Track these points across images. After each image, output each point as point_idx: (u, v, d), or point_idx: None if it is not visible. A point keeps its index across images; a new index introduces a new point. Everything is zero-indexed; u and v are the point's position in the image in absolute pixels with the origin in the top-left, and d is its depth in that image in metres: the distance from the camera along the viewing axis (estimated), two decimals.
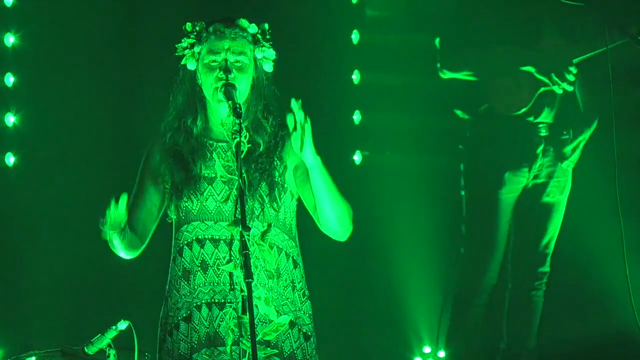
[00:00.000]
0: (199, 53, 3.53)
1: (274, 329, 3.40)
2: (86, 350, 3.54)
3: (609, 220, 5.51)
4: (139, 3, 5.75)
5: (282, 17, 5.25)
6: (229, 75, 3.44)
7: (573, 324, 5.88)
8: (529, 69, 5.57)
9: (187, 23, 3.55)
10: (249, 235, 3.19)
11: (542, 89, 5.58)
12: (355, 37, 6.01)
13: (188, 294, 3.50)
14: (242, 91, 3.49)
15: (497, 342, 5.80)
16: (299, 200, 3.60)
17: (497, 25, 5.60)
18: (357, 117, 6.03)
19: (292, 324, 3.51)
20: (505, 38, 5.59)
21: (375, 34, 6.02)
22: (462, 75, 5.68)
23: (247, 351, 3.18)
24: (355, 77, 6.00)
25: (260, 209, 3.47)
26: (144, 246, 3.58)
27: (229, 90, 3.41)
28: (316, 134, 3.62)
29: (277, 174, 3.51)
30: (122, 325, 3.46)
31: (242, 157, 3.29)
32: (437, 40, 5.78)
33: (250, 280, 3.09)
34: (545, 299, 5.78)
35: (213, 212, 3.48)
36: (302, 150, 3.32)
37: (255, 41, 3.52)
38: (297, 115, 3.26)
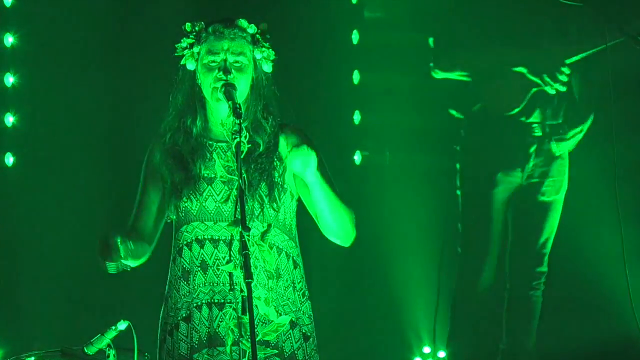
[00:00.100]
0: (198, 53, 3.53)
1: (274, 329, 3.40)
2: (86, 351, 3.54)
3: (609, 223, 5.52)
4: (138, 3, 5.75)
5: (282, 18, 5.26)
6: (228, 76, 3.45)
7: (574, 327, 5.88)
8: (521, 69, 5.57)
9: (187, 23, 3.55)
10: (248, 236, 3.18)
11: (534, 89, 5.58)
12: (355, 37, 6.01)
13: (188, 294, 3.50)
14: (242, 91, 3.49)
15: (497, 342, 5.80)
16: (299, 201, 3.60)
17: (490, 25, 5.60)
18: (356, 117, 6.03)
19: (292, 324, 3.52)
20: (498, 38, 5.59)
21: (375, 34, 6.03)
22: (454, 76, 5.69)
23: (247, 351, 3.18)
24: (355, 77, 6.01)
25: (259, 209, 3.47)
26: (152, 248, 3.58)
27: (228, 90, 3.41)
28: (316, 134, 3.63)
29: (276, 174, 3.51)
30: (122, 325, 3.46)
31: (242, 157, 3.28)
32: (430, 40, 5.79)
33: (250, 280, 3.09)
34: (545, 301, 5.78)
35: (212, 212, 3.48)
36: (303, 171, 3.33)
37: (254, 41, 3.52)
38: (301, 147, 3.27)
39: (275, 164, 3.51)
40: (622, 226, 5.41)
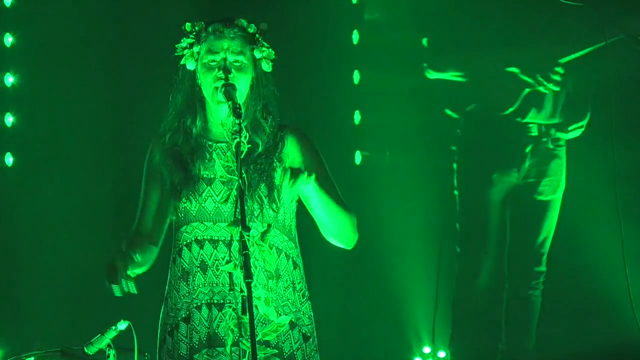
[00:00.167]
0: (198, 53, 3.52)
1: (273, 329, 3.40)
2: (86, 351, 3.53)
3: (608, 224, 5.52)
4: (138, 3, 5.75)
5: (282, 18, 5.26)
6: (228, 75, 3.44)
7: (574, 328, 5.87)
8: (514, 69, 5.58)
9: (187, 23, 3.55)
10: (248, 236, 3.18)
11: (527, 89, 5.59)
12: (355, 37, 6.01)
13: (187, 294, 3.50)
14: (242, 91, 3.48)
15: (496, 343, 5.80)
16: (299, 202, 3.60)
17: (484, 25, 5.60)
18: (356, 117, 6.03)
19: (292, 325, 3.51)
20: (491, 39, 5.60)
21: (375, 34, 6.02)
22: (448, 76, 5.70)
23: (247, 351, 3.18)
24: (355, 77, 6.00)
25: (259, 210, 3.46)
26: (158, 249, 3.58)
27: (228, 90, 3.41)
28: (316, 134, 3.63)
29: (276, 175, 3.51)
30: (122, 325, 3.45)
31: (241, 157, 3.28)
32: (424, 40, 5.80)
33: (250, 280, 3.09)
34: (545, 301, 5.78)
35: (212, 213, 3.48)
36: (300, 190, 3.36)
37: (254, 41, 3.52)
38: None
39: (275, 164, 3.51)
40: (622, 227, 5.41)
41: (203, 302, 3.47)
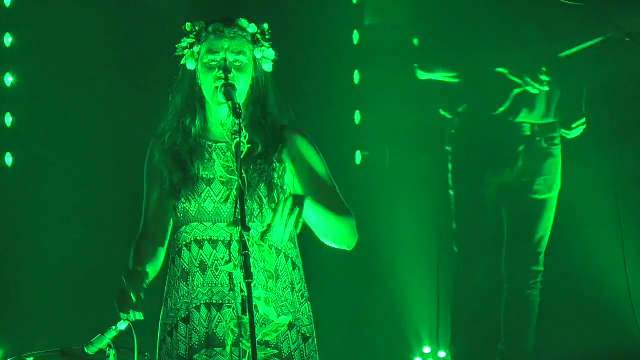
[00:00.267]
0: (198, 53, 3.52)
1: (274, 329, 3.40)
2: (86, 351, 3.53)
3: (609, 225, 5.52)
4: (138, 3, 5.75)
5: (282, 18, 5.25)
6: (228, 75, 3.44)
7: (574, 329, 5.87)
8: (502, 70, 5.58)
9: (187, 23, 3.54)
10: (248, 236, 3.18)
11: (517, 90, 5.59)
12: (355, 37, 6.01)
13: (187, 294, 3.50)
14: (242, 91, 3.48)
15: (496, 343, 5.80)
16: None
17: (474, 26, 5.61)
18: (357, 117, 6.03)
19: (290, 326, 3.51)
20: (481, 39, 5.60)
21: (376, 34, 6.02)
22: (438, 77, 5.70)
23: (247, 352, 3.18)
24: (356, 77, 6.01)
25: (259, 210, 3.46)
26: (165, 250, 3.58)
27: (228, 90, 3.41)
28: (317, 134, 3.63)
29: (276, 175, 3.51)
30: (122, 325, 3.44)
31: (241, 157, 3.28)
32: (415, 41, 5.80)
33: (250, 280, 3.08)
34: (545, 302, 5.77)
35: (211, 213, 3.48)
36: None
37: (254, 41, 3.52)
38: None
39: (274, 165, 3.51)
40: (623, 227, 5.41)
41: (202, 302, 3.47)
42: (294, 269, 3.56)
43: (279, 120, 3.56)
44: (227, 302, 3.43)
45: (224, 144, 3.50)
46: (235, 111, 3.31)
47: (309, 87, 5.64)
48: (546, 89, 5.60)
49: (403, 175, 5.96)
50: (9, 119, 5.61)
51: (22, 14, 5.64)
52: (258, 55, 3.52)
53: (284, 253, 3.53)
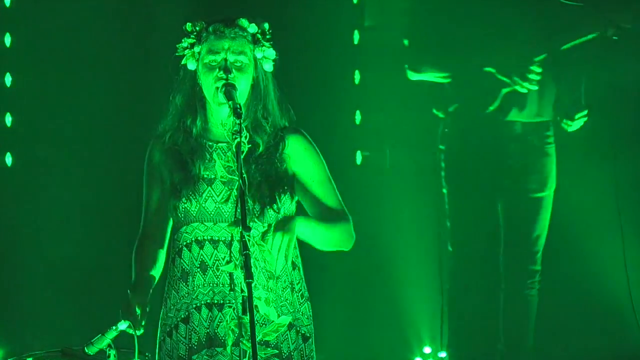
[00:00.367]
0: (199, 53, 3.52)
1: (274, 329, 3.39)
2: (86, 351, 3.52)
3: (609, 226, 5.52)
4: (139, 3, 5.75)
5: (283, 18, 5.25)
6: (229, 75, 3.44)
7: (574, 329, 5.87)
8: (491, 69, 5.58)
9: (187, 23, 3.54)
10: (249, 236, 3.18)
11: (505, 89, 5.60)
12: (356, 37, 6.01)
13: (187, 295, 3.50)
14: (242, 91, 3.48)
15: (494, 342, 5.79)
16: (298, 202, 3.60)
17: (464, 26, 5.61)
18: (357, 117, 6.03)
19: (290, 326, 3.50)
20: (471, 39, 5.60)
21: (376, 34, 6.02)
22: (428, 77, 5.71)
23: (248, 352, 3.18)
24: (356, 77, 6.00)
25: (260, 210, 3.46)
26: (165, 251, 3.59)
27: (229, 90, 3.40)
28: (317, 134, 3.63)
29: (277, 175, 3.51)
30: (123, 325, 3.44)
31: (242, 157, 3.28)
32: (405, 41, 5.80)
33: (250, 280, 3.08)
34: (546, 303, 5.77)
35: (212, 213, 3.47)
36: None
37: (255, 41, 3.51)
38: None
39: (276, 165, 3.51)
40: (623, 227, 5.41)
41: (203, 302, 3.47)
42: (293, 269, 3.55)
43: (279, 120, 3.56)
44: (228, 302, 3.42)
45: (225, 144, 3.49)
46: (236, 111, 3.31)
47: (309, 87, 5.64)
48: (535, 87, 5.59)
49: (403, 175, 5.96)
50: (9, 119, 5.60)
51: (22, 14, 5.64)
52: (259, 55, 3.51)
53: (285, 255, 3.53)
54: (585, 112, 5.66)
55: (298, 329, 3.53)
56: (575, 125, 5.66)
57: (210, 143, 3.54)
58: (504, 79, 5.57)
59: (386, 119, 6.00)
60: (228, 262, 3.39)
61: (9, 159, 5.62)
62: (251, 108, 3.52)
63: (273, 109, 3.56)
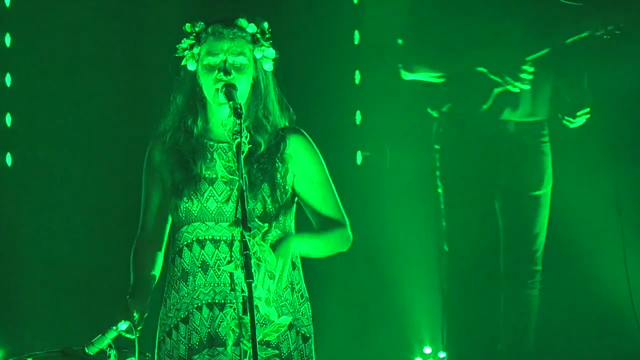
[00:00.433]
0: (198, 54, 3.51)
1: (274, 329, 3.39)
2: (87, 351, 3.52)
3: (609, 226, 5.52)
4: (139, 3, 5.75)
5: (283, 18, 5.25)
6: (228, 77, 3.44)
7: (574, 329, 5.86)
8: (483, 69, 5.58)
9: (187, 24, 3.54)
10: (249, 236, 3.18)
11: (498, 89, 5.60)
12: (356, 37, 6.01)
13: (187, 295, 3.50)
14: (242, 91, 3.48)
15: (494, 343, 5.79)
16: (297, 202, 3.60)
17: (457, 26, 5.61)
18: (358, 117, 6.03)
19: (290, 326, 3.50)
20: (464, 39, 5.60)
21: (376, 34, 6.02)
22: (422, 77, 5.71)
23: (248, 352, 3.17)
24: (356, 77, 6.00)
25: (261, 210, 3.46)
26: (163, 254, 3.60)
27: (229, 90, 3.40)
28: (317, 134, 3.63)
29: (278, 175, 3.51)
30: (123, 325, 3.44)
31: (243, 157, 3.28)
32: (399, 41, 5.80)
33: (250, 280, 3.08)
34: (545, 303, 5.76)
35: (214, 212, 3.47)
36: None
37: (254, 41, 3.51)
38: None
39: (277, 165, 3.51)
40: (624, 227, 5.41)
41: (204, 302, 3.47)
42: (293, 268, 3.55)
43: (279, 119, 3.56)
44: (229, 301, 3.42)
45: (226, 144, 3.49)
46: (236, 111, 3.31)
47: (309, 87, 5.64)
48: (527, 87, 5.59)
49: (404, 176, 5.95)
50: (8, 119, 5.60)
51: (22, 14, 5.63)
52: (258, 55, 3.51)
53: None
54: (588, 109, 5.66)
55: (298, 329, 3.53)
56: (577, 122, 5.66)
57: (212, 143, 3.54)
58: (496, 78, 5.58)
59: (386, 119, 5.99)
60: (229, 262, 3.39)
61: (9, 159, 5.62)
62: (252, 108, 3.52)
63: (273, 108, 3.56)
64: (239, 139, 3.27)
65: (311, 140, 3.60)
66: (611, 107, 5.62)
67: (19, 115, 5.65)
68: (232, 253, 3.41)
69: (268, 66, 3.53)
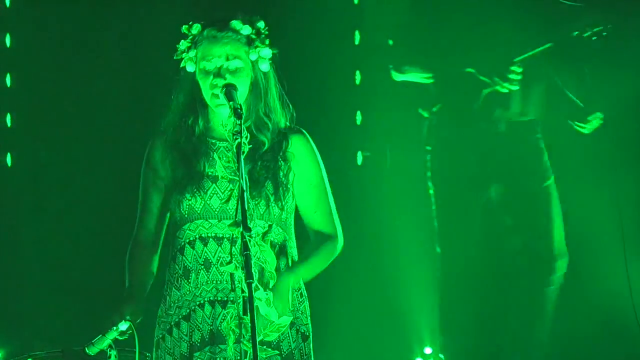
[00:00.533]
0: (195, 56, 3.51)
1: (275, 329, 3.40)
2: (87, 351, 3.52)
3: (610, 227, 5.52)
4: (139, 3, 5.75)
5: (283, 18, 5.25)
6: (224, 82, 3.43)
7: (574, 332, 5.86)
8: (471, 70, 5.59)
9: (184, 26, 3.53)
10: (250, 236, 3.18)
11: (486, 89, 5.60)
12: (356, 37, 6.01)
13: (189, 292, 3.50)
14: (241, 93, 3.47)
15: (492, 343, 5.78)
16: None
17: (447, 27, 5.61)
18: (358, 117, 6.03)
19: (290, 324, 3.50)
20: (453, 40, 5.60)
21: (377, 34, 6.02)
22: (412, 78, 5.71)
23: (248, 352, 3.17)
24: (357, 77, 6.00)
25: (265, 208, 3.47)
26: (158, 255, 3.60)
27: (229, 91, 3.40)
28: (318, 134, 3.63)
29: (281, 173, 3.51)
30: (123, 325, 3.44)
31: (244, 156, 3.28)
32: (390, 42, 5.81)
33: (251, 281, 3.08)
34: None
35: (217, 210, 3.48)
36: None
37: (249, 42, 3.49)
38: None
39: (280, 163, 3.51)
40: (624, 226, 5.41)
41: (206, 299, 3.47)
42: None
43: (281, 117, 3.56)
44: (231, 299, 3.42)
45: (227, 143, 3.49)
46: (236, 112, 3.31)
47: (310, 87, 5.63)
48: (515, 87, 5.59)
49: (404, 176, 5.95)
50: (9, 119, 5.60)
51: (22, 14, 5.63)
52: (253, 57, 3.49)
53: (286, 252, 3.54)
54: (600, 114, 5.64)
55: (298, 327, 3.54)
56: (589, 126, 5.65)
57: (214, 141, 3.54)
58: (484, 79, 5.57)
59: (387, 120, 5.99)
60: (229, 263, 3.39)
61: (9, 159, 5.62)
62: (252, 108, 3.52)
63: (274, 105, 3.56)
64: (239, 139, 3.27)
65: (313, 143, 3.60)
66: (612, 106, 5.61)
67: (19, 115, 5.65)
68: (232, 253, 3.41)
69: (265, 67, 3.52)
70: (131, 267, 3.55)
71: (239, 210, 3.19)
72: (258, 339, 3.09)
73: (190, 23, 3.51)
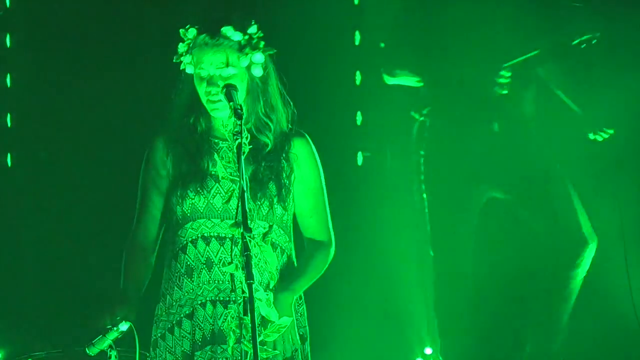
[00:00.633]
0: (192, 61, 3.51)
1: (275, 330, 3.40)
2: (87, 352, 3.52)
3: (610, 227, 5.53)
4: (138, 3, 5.75)
5: (283, 18, 5.25)
6: (217, 89, 3.43)
7: (575, 332, 5.86)
8: (462, 74, 5.59)
9: (180, 29, 3.53)
10: (250, 237, 3.18)
11: (477, 93, 5.60)
12: (357, 38, 6.01)
13: (191, 291, 3.50)
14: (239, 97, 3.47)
15: (491, 344, 5.78)
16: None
17: (438, 30, 5.61)
18: (358, 118, 6.03)
19: (290, 325, 3.51)
20: (445, 44, 5.60)
21: (377, 35, 6.02)
22: (403, 81, 5.71)
23: (249, 352, 3.18)
24: (357, 78, 6.01)
25: (268, 209, 3.47)
26: (154, 257, 3.59)
27: (230, 91, 3.40)
28: (318, 135, 3.63)
29: (284, 175, 3.52)
30: (124, 326, 3.44)
31: (245, 156, 3.28)
32: (382, 44, 5.81)
33: (251, 281, 3.08)
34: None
35: (220, 209, 3.48)
36: None
37: (241, 48, 3.48)
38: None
39: (282, 164, 3.52)
40: (624, 226, 5.42)
41: (208, 299, 3.47)
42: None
43: (282, 116, 3.56)
44: (233, 299, 3.42)
45: (229, 143, 3.49)
46: (237, 112, 3.31)
47: (310, 88, 5.63)
48: (504, 92, 5.58)
49: (405, 177, 5.95)
50: (9, 119, 5.60)
51: (22, 14, 5.63)
52: (244, 64, 3.47)
53: (286, 253, 3.56)
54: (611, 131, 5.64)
55: (297, 329, 3.54)
56: (603, 134, 5.64)
57: (216, 140, 3.54)
58: (477, 83, 5.57)
59: (387, 120, 6.00)
60: (230, 263, 3.39)
61: (9, 159, 5.62)
62: (251, 110, 3.52)
63: (276, 104, 3.56)
64: (239, 140, 3.27)
65: (314, 148, 3.61)
66: (612, 107, 5.61)
67: (19, 115, 5.65)
68: (233, 253, 3.41)
69: (257, 72, 3.49)
70: (127, 268, 3.54)
71: (240, 211, 3.19)
72: (258, 340, 3.09)
73: (187, 27, 3.50)
